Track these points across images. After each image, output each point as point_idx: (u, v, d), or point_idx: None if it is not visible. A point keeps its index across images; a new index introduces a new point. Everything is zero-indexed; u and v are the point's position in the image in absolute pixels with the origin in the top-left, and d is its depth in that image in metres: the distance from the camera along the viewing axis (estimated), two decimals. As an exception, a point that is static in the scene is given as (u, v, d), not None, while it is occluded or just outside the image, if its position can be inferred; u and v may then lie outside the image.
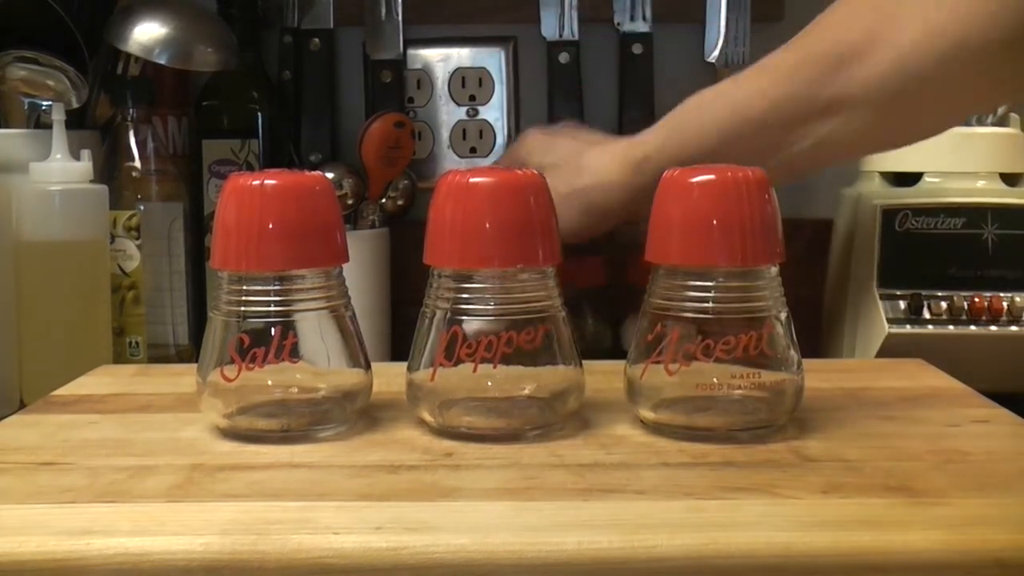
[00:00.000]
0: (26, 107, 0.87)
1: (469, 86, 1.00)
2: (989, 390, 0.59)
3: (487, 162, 1.00)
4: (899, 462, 0.47)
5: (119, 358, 0.86)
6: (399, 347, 0.93)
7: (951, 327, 0.78)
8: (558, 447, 0.50)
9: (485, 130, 1.00)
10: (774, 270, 0.51)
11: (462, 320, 0.51)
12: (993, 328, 0.78)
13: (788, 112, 0.58)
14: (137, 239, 0.86)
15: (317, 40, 0.98)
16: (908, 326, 0.79)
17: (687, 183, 0.51)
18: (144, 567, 0.38)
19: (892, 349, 0.78)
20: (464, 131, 1.00)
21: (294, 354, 0.51)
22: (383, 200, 0.93)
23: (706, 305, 0.50)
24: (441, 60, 1.00)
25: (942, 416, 0.55)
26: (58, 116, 0.81)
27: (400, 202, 0.94)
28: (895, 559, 0.38)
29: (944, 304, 0.79)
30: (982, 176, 0.82)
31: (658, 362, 0.51)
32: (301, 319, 0.52)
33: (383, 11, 0.98)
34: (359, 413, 0.54)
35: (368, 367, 0.54)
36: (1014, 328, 0.78)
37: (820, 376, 0.61)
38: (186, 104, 0.98)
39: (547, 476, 0.46)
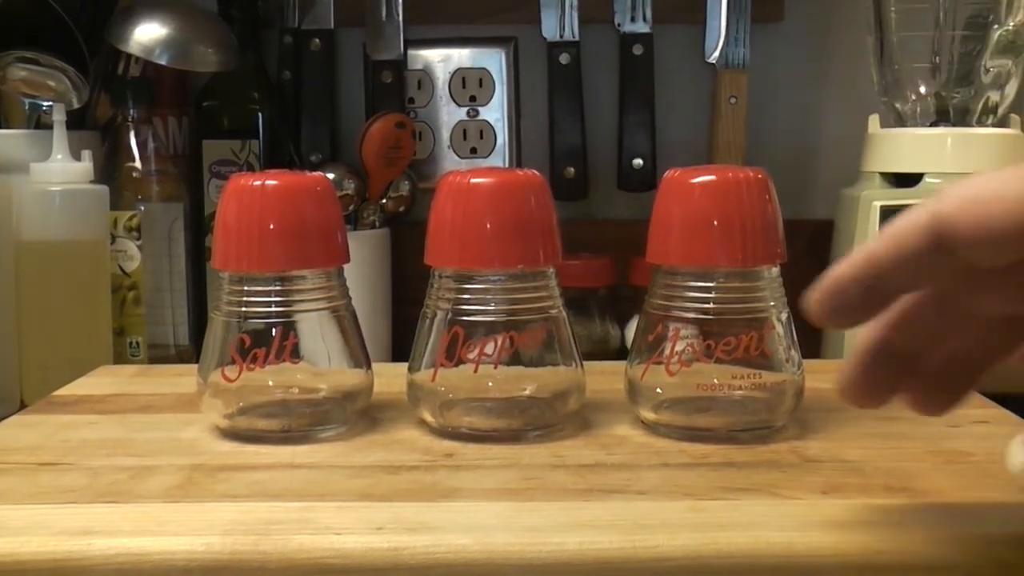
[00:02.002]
0: (27, 107, 0.87)
1: (470, 87, 1.00)
2: (989, 391, 0.59)
3: (488, 163, 1.00)
4: (900, 463, 0.47)
5: (119, 358, 0.86)
6: (399, 348, 0.93)
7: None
8: (559, 448, 0.50)
9: (486, 130, 1.00)
10: (775, 270, 0.52)
11: (463, 320, 0.51)
12: (993, 329, 0.78)
13: None
14: (137, 239, 0.86)
15: (317, 40, 0.99)
16: (908, 327, 0.79)
17: (688, 183, 0.51)
18: (145, 567, 0.38)
19: (892, 350, 0.78)
20: (465, 131, 1.00)
21: (295, 354, 0.51)
22: (383, 200, 0.93)
23: (707, 306, 0.50)
24: (442, 61, 1.00)
25: (942, 417, 0.55)
26: (59, 116, 0.81)
27: (401, 203, 0.94)
28: (896, 559, 0.38)
29: (944, 305, 0.79)
30: (982, 177, 0.82)
31: (659, 362, 0.51)
32: (302, 319, 0.52)
33: (383, 12, 0.98)
34: (360, 413, 0.54)
35: (369, 367, 0.54)
36: (1014, 329, 0.78)
37: (821, 376, 0.61)
38: (186, 104, 0.98)
39: (548, 476, 0.46)
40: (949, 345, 0.40)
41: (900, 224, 0.35)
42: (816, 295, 0.37)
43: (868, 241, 0.37)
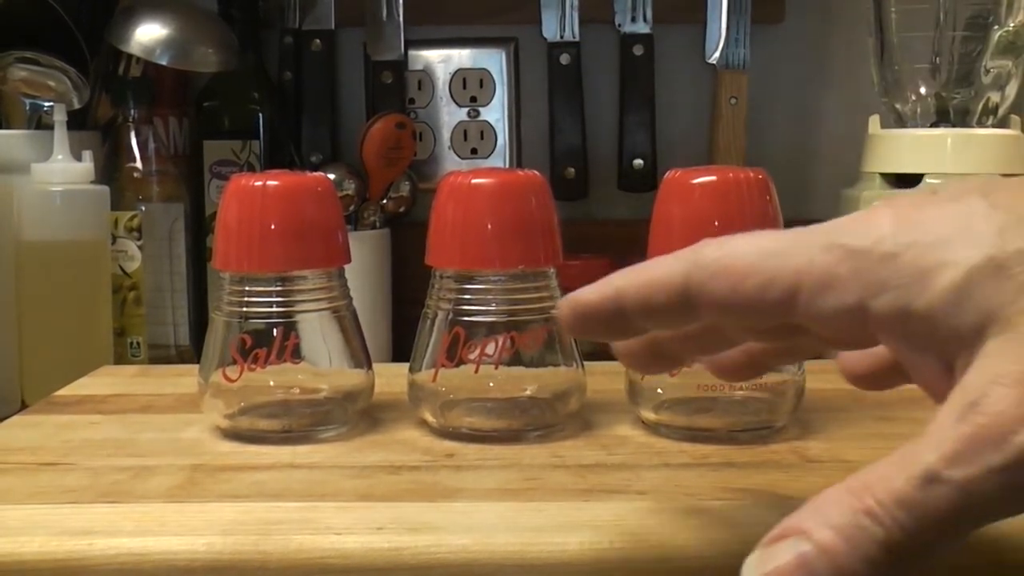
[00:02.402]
0: (27, 108, 0.87)
1: (470, 87, 1.00)
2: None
3: (488, 163, 1.00)
4: (900, 463, 0.47)
5: (120, 359, 0.86)
6: (400, 348, 0.93)
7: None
8: (559, 448, 0.50)
9: (486, 131, 1.00)
10: (775, 271, 0.51)
11: (464, 321, 0.51)
12: (994, 329, 0.78)
13: None
14: (138, 240, 0.86)
15: (318, 41, 0.99)
16: (909, 327, 0.79)
17: (688, 184, 0.51)
18: (146, 567, 0.38)
19: (893, 350, 0.78)
20: (465, 132, 1.00)
21: (296, 355, 0.51)
22: (384, 201, 0.93)
23: (707, 306, 0.50)
24: (442, 61, 1.00)
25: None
26: (59, 117, 0.81)
27: (401, 203, 0.95)
28: (896, 560, 0.38)
29: (944, 305, 0.79)
30: (982, 178, 0.82)
31: (659, 363, 0.51)
32: (303, 320, 0.52)
33: (384, 12, 0.98)
34: (360, 414, 0.54)
35: (370, 368, 0.54)
36: (1015, 329, 0.78)
37: (821, 377, 0.61)
38: (187, 105, 0.99)
39: (548, 477, 0.46)
40: (716, 355, 0.40)
41: (653, 274, 0.34)
42: (562, 310, 0.37)
43: (621, 272, 0.35)
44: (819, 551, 0.28)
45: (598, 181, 1.00)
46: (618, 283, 0.35)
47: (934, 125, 0.88)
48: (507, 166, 1.00)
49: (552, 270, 0.52)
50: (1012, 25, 0.86)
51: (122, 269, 0.86)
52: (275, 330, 0.51)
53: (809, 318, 0.32)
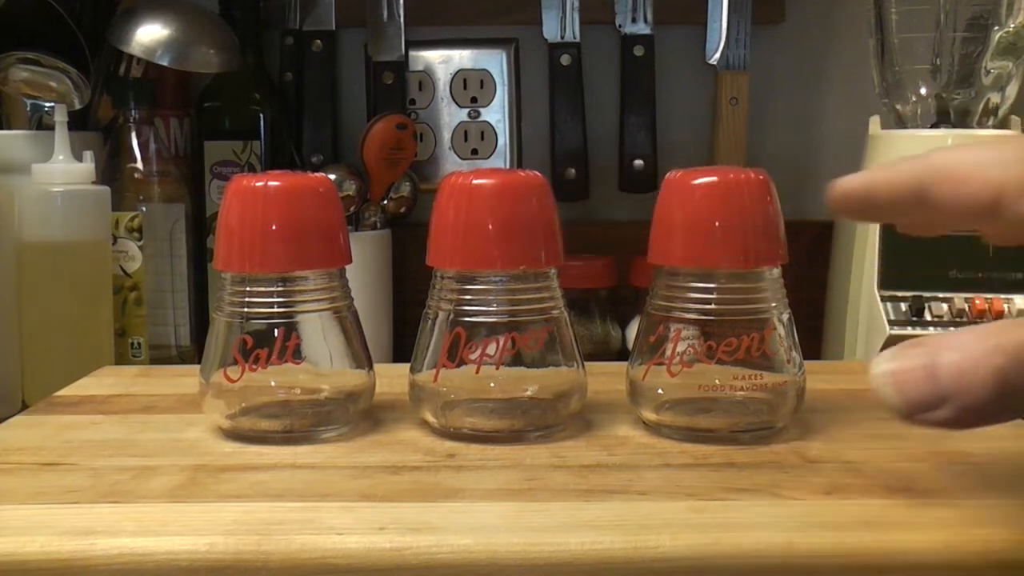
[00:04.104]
0: (28, 108, 0.87)
1: (471, 88, 1.00)
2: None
3: (489, 164, 1.00)
4: (901, 463, 0.47)
5: (121, 359, 0.86)
6: (400, 349, 0.93)
7: (952, 329, 0.79)
8: (560, 448, 0.50)
9: (487, 132, 1.00)
10: (776, 271, 0.52)
11: (465, 321, 0.51)
12: (994, 330, 0.78)
13: None
14: (139, 240, 0.86)
15: (319, 41, 0.99)
16: (910, 328, 0.79)
17: (689, 184, 0.51)
18: (148, 567, 0.38)
19: (893, 351, 0.78)
20: (466, 133, 1.00)
21: (297, 355, 0.51)
22: (385, 202, 0.93)
23: (708, 307, 0.50)
24: (443, 62, 1.00)
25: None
26: (60, 117, 0.81)
27: (402, 204, 0.95)
28: (897, 560, 0.38)
29: (945, 306, 0.79)
30: None
31: (660, 363, 0.51)
32: (304, 320, 0.52)
33: (385, 13, 0.98)
34: (362, 414, 0.54)
35: (371, 368, 0.54)
36: (1015, 330, 0.78)
37: (822, 377, 0.61)
38: (188, 105, 0.99)
39: (549, 477, 0.46)
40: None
41: (896, 175, 0.42)
42: (832, 190, 0.44)
43: (873, 170, 0.43)
44: (947, 365, 0.34)
45: (599, 182, 1.00)
46: (873, 178, 0.43)
47: (934, 126, 0.88)
48: (508, 167, 1.00)
49: (553, 271, 0.52)
50: (1012, 26, 0.86)
51: (123, 270, 0.86)
52: (276, 330, 0.51)
53: (1013, 220, 0.38)
